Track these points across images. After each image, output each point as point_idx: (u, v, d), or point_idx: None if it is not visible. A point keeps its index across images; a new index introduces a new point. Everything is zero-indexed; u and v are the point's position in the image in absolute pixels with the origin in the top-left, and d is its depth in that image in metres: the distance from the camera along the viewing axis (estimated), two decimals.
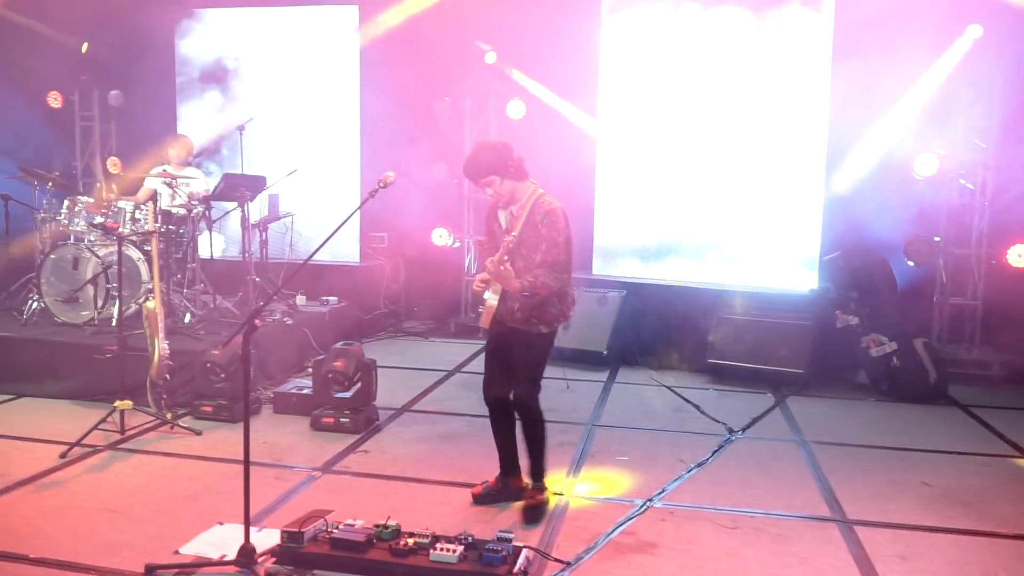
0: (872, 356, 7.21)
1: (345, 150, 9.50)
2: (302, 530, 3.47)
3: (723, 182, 8.62)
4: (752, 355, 7.50)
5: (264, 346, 6.79)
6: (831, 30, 8.17)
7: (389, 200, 9.58)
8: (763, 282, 8.32)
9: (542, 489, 4.45)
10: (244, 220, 7.29)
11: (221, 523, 4.04)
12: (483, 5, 8.64)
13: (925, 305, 8.12)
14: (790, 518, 4.40)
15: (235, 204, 7.40)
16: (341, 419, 5.58)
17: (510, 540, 3.53)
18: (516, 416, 4.47)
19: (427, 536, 3.52)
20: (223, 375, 5.76)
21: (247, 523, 3.48)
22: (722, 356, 7.62)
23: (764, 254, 8.52)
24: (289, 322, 7.32)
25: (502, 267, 3.99)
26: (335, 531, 3.54)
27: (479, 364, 8.04)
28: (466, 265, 9.70)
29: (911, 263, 7.94)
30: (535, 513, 4.31)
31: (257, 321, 3.45)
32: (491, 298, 4.21)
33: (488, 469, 4.95)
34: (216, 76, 9.76)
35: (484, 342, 8.66)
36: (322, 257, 9.35)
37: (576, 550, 3.90)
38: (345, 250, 9.51)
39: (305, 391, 5.98)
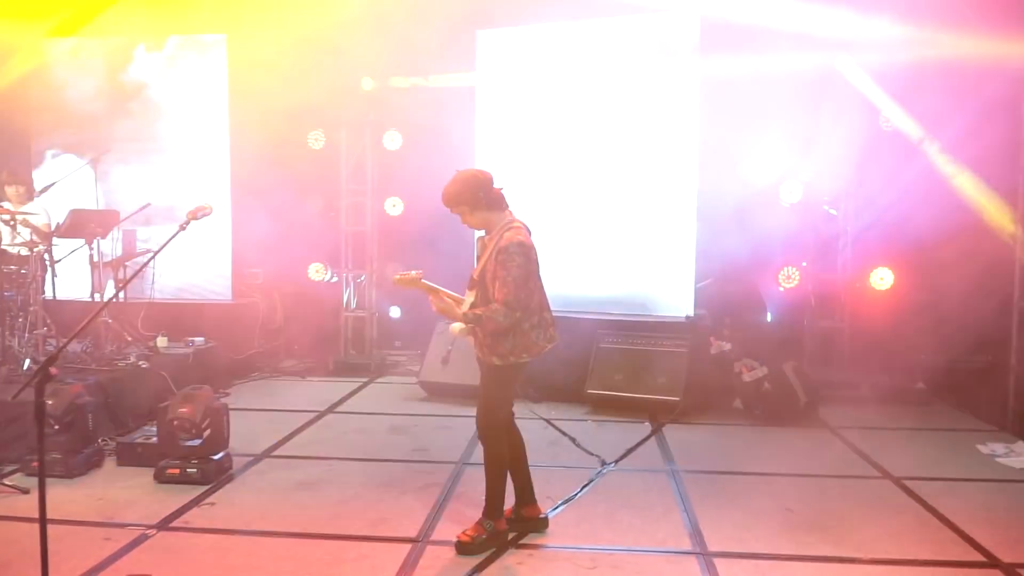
0: (745, 381, 7.27)
1: (214, 184, 9.08)
2: None
3: (600, 209, 8.61)
4: (630, 384, 7.47)
5: (113, 392, 6.34)
6: (700, 65, 8.31)
7: (263, 234, 9.33)
8: (641, 309, 8.32)
9: (480, 525, 4.31)
10: (91, 259, 6.84)
11: None
12: (356, 33, 8.46)
13: (795, 329, 8.27)
14: (651, 553, 4.29)
15: (83, 242, 6.93)
16: (188, 470, 5.21)
17: None
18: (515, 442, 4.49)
19: None
20: (56, 427, 5.30)
21: None
22: (601, 386, 7.56)
23: (642, 282, 8.53)
24: (144, 365, 6.87)
25: (441, 301, 4.17)
26: None
27: (354, 403, 7.84)
28: (344, 300, 9.40)
29: (781, 288, 8.10)
30: (462, 547, 4.22)
31: (52, 369, 3.10)
32: (454, 326, 4.24)
33: (345, 516, 4.70)
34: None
35: (364, 379, 8.62)
36: (190, 296, 9.03)
37: None
38: (216, 287, 9.08)
39: (152, 440, 5.57)
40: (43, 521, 3.11)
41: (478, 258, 4.35)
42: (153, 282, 8.27)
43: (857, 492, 5.34)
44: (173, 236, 3.45)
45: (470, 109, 8.87)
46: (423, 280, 4.21)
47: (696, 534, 4.55)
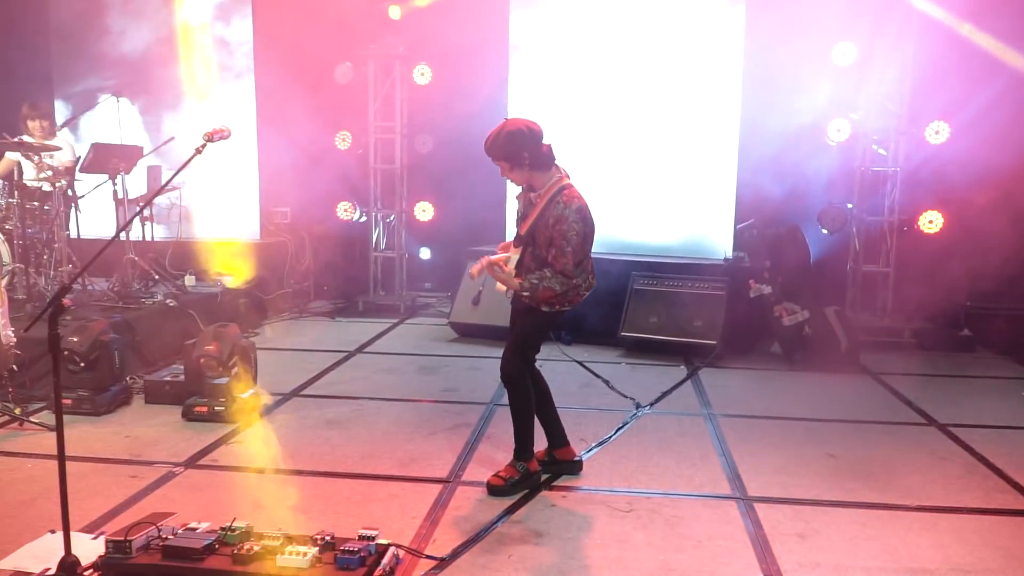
0: (785, 325, 7.05)
1: (239, 118, 8.88)
2: (129, 538, 3.05)
3: (636, 151, 8.34)
4: (665, 327, 7.29)
5: (140, 330, 6.27)
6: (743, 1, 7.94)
7: (291, 172, 9.18)
8: (678, 252, 8.10)
9: (512, 467, 4.20)
10: (115, 195, 6.72)
11: (53, 531, 3.59)
12: None
13: (838, 273, 8.00)
14: (688, 497, 4.14)
15: (106, 177, 6.81)
16: (215, 408, 5.13)
17: (373, 538, 3.18)
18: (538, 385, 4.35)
19: (278, 538, 3.14)
20: (82, 364, 5.24)
21: (66, 531, 3.03)
22: (635, 329, 7.39)
23: (679, 223, 8.30)
24: (172, 303, 6.79)
25: (497, 269, 4.03)
26: (171, 537, 3.13)
27: (383, 343, 7.74)
28: (373, 240, 9.26)
29: (824, 231, 7.81)
30: (494, 489, 4.10)
31: (66, 300, 2.97)
32: (500, 286, 4.14)
33: (375, 455, 4.60)
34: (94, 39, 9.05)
35: (393, 320, 8.52)
36: (218, 234, 8.92)
37: (454, 544, 3.57)
38: (245, 226, 8.97)
39: (180, 378, 5.50)
40: (61, 456, 3.01)
41: (524, 216, 4.16)
42: (180, 219, 8.19)
43: (901, 438, 5.15)
44: (190, 159, 3.27)
45: (503, 41, 8.57)
46: (489, 260, 4.08)
47: (735, 478, 4.40)
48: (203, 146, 3.26)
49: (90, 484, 4.16)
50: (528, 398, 4.22)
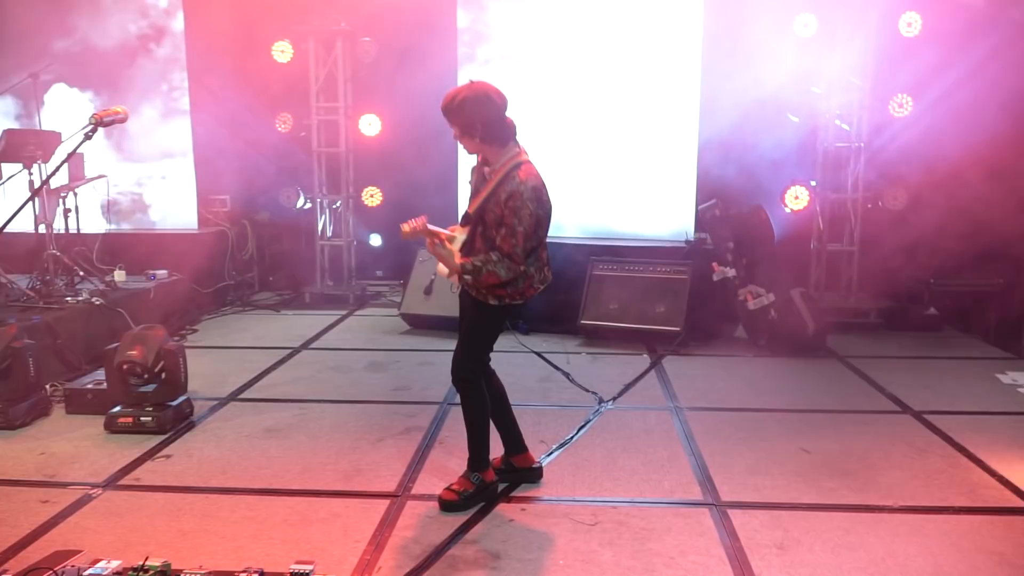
0: (750, 309, 6.80)
1: (171, 102, 8.35)
2: None
3: (592, 130, 8.01)
4: (627, 314, 6.99)
5: (63, 332, 5.78)
6: None
7: (230, 158, 8.66)
8: (638, 235, 7.80)
9: (466, 478, 3.83)
10: (32, 185, 6.18)
11: None
12: None
13: (802, 253, 7.76)
14: (658, 505, 3.83)
15: (21, 167, 6.26)
16: (141, 418, 4.69)
17: (307, 574, 2.80)
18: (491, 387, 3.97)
19: None
20: None
21: None
22: (596, 316, 7.08)
23: (638, 205, 7.99)
24: (98, 302, 6.29)
25: (440, 246, 3.64)
26: None
27: (330, 338, 7.31)
28: (319, 228, 8.79)
29: (788, 209, 7.55)
30: (447, 505, 3.76)
31: None
32: (441, 267, 3.72)
33: (317, 468, 4.22)
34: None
35: (342, 312, 8.09)
36: (153, 226, 8.40)
37: (401, 571, 3.20)
38: (181, 217, 8.45)
39: (104, 386, 5.03)
40: None
41: (475, 191, 3.75)
42: (109, 211, 7.65)
43: (876, 428, 4.90)
44: (79, 144, 2.85)
45: (451, 14, 8.13)
46: (427, 224, 3.58)
47: (706, 481, 4.10)
48: (93, 129, 2.84)
49: None
50: (482, 402, 3.86)
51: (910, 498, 3.90)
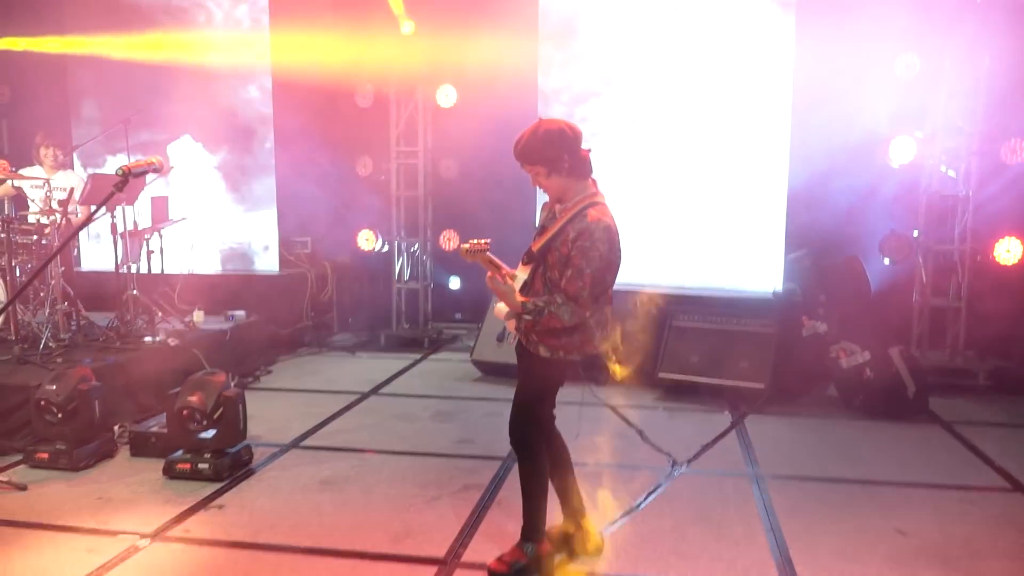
0: (843, 367, 6.32)
1: (255, 146, 8.49)
2: None
3: (676, 173, 7.71)
4: (708, 368, 6.61)
5: (135, 373, 5.82)
6: (794, 7, 7.29)
7: (311, 201, 8.74)
8: (722, 285, 7.42)
9: (519, 548, 3.58)
10: (114, 227, 6.31)
11: None
12: None
13: (903, 308, 7.22)
14: None
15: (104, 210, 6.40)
16: (199, 465, 4.62)
17: None
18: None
19: None
20: (59, 415, 4.78)
21: None
22: (674, 369, 6.73)
23: (723, 253, 7.62)
24: (173, 343, 6.34)
25: (499, 282, 3.35)
26: None
27: (400, 383, 7.17)
28: (396, 270, 8.74)
29: (887, 261, 7.07)
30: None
31: None
32: (500, 306, 3.50)
33: (367, 526, 4.03)
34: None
35: (416, 356, 7.98)
36: (235, 268, 8.52)
37: None
38: (263, 258, 8.55)
39: (166, 430, 5.01)
40: None
41: (541, 228, 3.53)
42: (192, 252, 7.79)
43: (983, 508, 4.40)
44: (109, 196, 2.79)
45: (532, 57, 8.03)
46: (488, 253, 3.35)
47: (786, 564, 3.72)
48: (122, 182, 2.76)
49: (42, 562, 3.67)
50: (540, 468, 3.61)
51: None
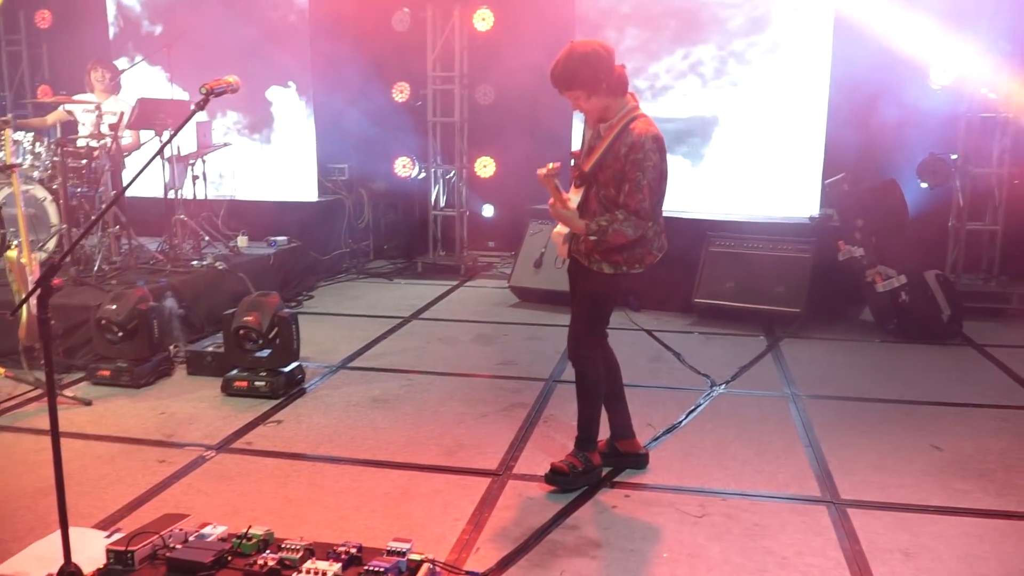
0: (878, 291, 6.37)
1: (292, 73, 8.50)
2: (131, 549, 2.72)
3: (711, 96, 7.67)
4: (744, 293, 6.69)
5: (187, 295, 6.00)
6: None
7: (348, 127, 8.79)
8: (758, 210, 7.45)
9: (574, 456, 3.74)
10: (162, 152, 6.40)
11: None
12: None
13: (939, 232, 7.22)
14: (771, 500, 3.63)
15: (152, 134, 6.52)
16: (256, 382, 4.82)
17: (404, 553, 2.78)
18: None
19: (298, 550, 2.77)
20: (120, 334, 4.98)
21: (65, 538, 2.71)
22: (710, 295, 6.81)
23: (760, 177, 7.62)
24: (221, 267, 6.51)
25: (562, 208, 3.42)
26: (178, 547, 2.79)
27: (440, 308, 7.34)
28: (432, 198, 8.82)
29: (924, 185, 7.03)
30: (556, 477, 3.66)
31: (56, 280, 2.58)
32: (559, 227, 3.59)
33: (420, 441, 4.22)
34: None
35: (453, 282, 8.12)
36: (274, 195, 8.63)
37: (499, 553, 3.15)
38: (301, 186, 8.64)
39: (223, 349, 5.20)
40: (57, 456, 2.66)
41: (589, 149, 3.57)
42: (233, 178, 7.90)
43: (1016, 425, 4.51)
44: (192, 114, 2.89)
45: None
46: (557, 179, 3.42)
47: (825, 476, 3.86)
48: (204, 100, 2.85)
49: (115, 469, 3.89)
50: (598, 383, 3.74)
51: None
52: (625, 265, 3.55)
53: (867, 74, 7.03)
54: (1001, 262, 7.16)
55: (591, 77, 3.36)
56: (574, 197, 3.56)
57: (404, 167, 8.81)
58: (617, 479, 3.82)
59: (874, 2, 7.00)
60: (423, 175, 8.88)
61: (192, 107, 2.91)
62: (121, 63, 7.86)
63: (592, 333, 3.70)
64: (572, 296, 3.82)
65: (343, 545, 2.81)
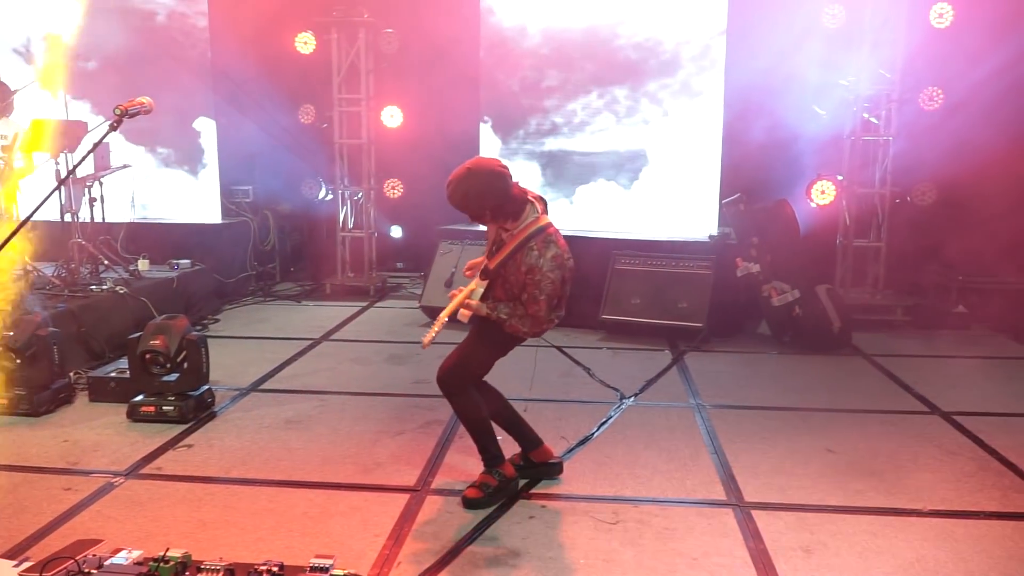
0: (774, 305, 6.71)
1: (195, 93, 8.33)
2: (45, 575, 2.63)
3: (614, 122, 7.94)
4: (649, 309, 6.92)
5: (87, 320, 5.81)
6: None
7: (252, 148, 8.68)
8: (662, 230, 7.72)
9: (488, 475, 3.82)
10: (59, 175, 6.21)
11: None
12: None
13: (828, 249, 7.65)
14: (680, 504, 3.78)
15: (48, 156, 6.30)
16: (163, 407, 4.70)
17: (327, 568, 2.78)
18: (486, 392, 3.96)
19: (218, 570, 2.74)
20: (18, 360, 4.79)
21: None
22: (617, 311, 7.01)
23: (661, 199, 7.91)
24: (122, 291, 6.32)
25: (468, 301, 3.63)
26: (95, 571, 2.72)
27: (351, 329, 7.30)
28: (340, 219, 8.78)
29: (813, 204, 7.44)
30: (472, 502, 3.72)
31: None
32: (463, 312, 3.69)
33: (337, 460, 4.21)
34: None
35: (363, 304, 8.08)
36: (175, 217, 8.42)
37: (420, 568, 3.18)
38: (204, 208, 8.47)
39: (127, 374, 5.05)
40: None
41: (496, 246, 3.71)
42: (133, 201, 7.68)
43: (904, 429, 4.82)
44: (104, 135, 2.85)
45: (474, 3, 8.09)
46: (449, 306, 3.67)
47: (729, 481, 4.05)
48: (117, 121, 2.82)
49: (19, 498, 3.74)
50: (475, 406, 3.80)
51: (940, 501, 3.83)
52: (522, 335, 3.70)
53: (758, 100, 7.40)
54: (886, 276, 7.63)
55: (493, 206, 3.52)
56: (479, 288, 3.69)
57: (310, 189, 8.75)
58: (534, 490, 3.91)
59: (763, 31, 7.40)
60: (330, 197, 8.84)
61: (107, 126, 2.86)
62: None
63: (466, 374, 3.79)
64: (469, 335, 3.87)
65: (264, 564, 2.79)
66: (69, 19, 7.70)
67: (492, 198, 3.50)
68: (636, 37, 7.79)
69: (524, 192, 3.63)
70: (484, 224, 3.72)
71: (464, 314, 3.68)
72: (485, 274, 3.70)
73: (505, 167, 3.56)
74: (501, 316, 3.60)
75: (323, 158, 8.75)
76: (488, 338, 3.75)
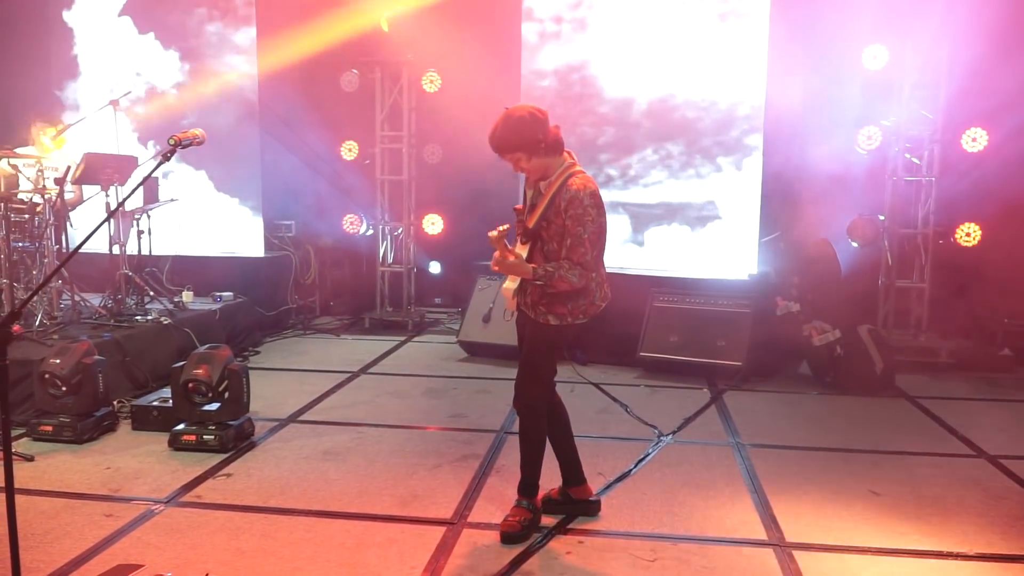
0: (815, 345, 6.62)
1: (242, 129, 8.54)
2: None
3: (656, 159, 7.96)
4: (687, 347, 6.87)
5: (131, 350, 5.92)
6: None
7: (295, 184, 8.86)
8: (700, 268, 7.69)
9: (522, 508, 3.80)
10: (108, 207, 6.38)
11: None
12: None
13: (870, 289, 7.56)
14: (719, 544, 3.72)
15: (99, 188, 6.49)
16: (204, 436, 4.76)
17: None
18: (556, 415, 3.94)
19: None
20: (64, 388, 4.89)
21: None
22: (655, 349, 6.97)
23: (701, 237, 7.89)
24: (166, 321, 6.44)
25: (508, 258, 3.52)
26: None
27: (389, 363, 7.35)
28: (380, 254, 8.88)
29: (855, 244, 7.38)
30: (511, 537, 3.69)
31: (15, 327, 2.59)
32: (508, 283, 3.71)
33: (374, 492, 4.22)
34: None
35: (401, 338, 8.14)
36: (219, 250, 8.59)
37: None
38: (247, 242, 8.62)
39: (169, 403, 5.12)
40: (11, 505, 2.62)
41: (532, 206, 3.72)
42: (179, 233, 7.86)
43: (949, 472, 4.70)
44: (158, 164, 2.94)
45: (515, 44, 8.22)
46: (504, 239, 3.55)
47: (770, 520, 3.98)
48: (171, 151, 2.91)
49: (61, 524, 3.80)
50: (540, 432, 3.82)
51: (986, 545, 3.73)
52: (570, 316, 3.67)
53: (799, 139, 7.40)
54: (929, 318, 7.51)
55: (530, 139, 3.52)
56: (521, 252, 3.68)
57: (352, 224, 8.88)
58: (570, 526, 3.88)
59: (804, 70, 7.42)
60: (371, 232, 8.95)
61: (160, 158, 2.95)
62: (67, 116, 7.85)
63: (537, 381, 3.78)
64: (520, 346, 3.92)
65: None
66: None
67: (529, 129, 3.50)
68: (676, 67, 7.83)
69: (560, 136, 3.62)
70: (532, 170, 3.62)
71: (511, 303, 3.70)
72: (526, 235, 3.67)
73: (543, 111, 3.59)
74: (548, 270, 3.52)
75: (364, 194, 8.89)
76: (540, 337, 3.72)
